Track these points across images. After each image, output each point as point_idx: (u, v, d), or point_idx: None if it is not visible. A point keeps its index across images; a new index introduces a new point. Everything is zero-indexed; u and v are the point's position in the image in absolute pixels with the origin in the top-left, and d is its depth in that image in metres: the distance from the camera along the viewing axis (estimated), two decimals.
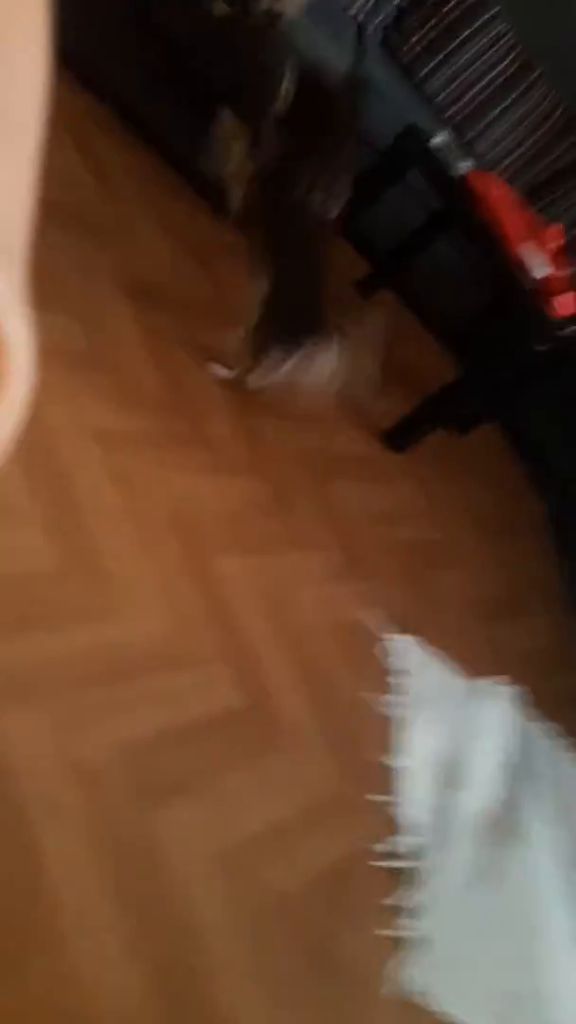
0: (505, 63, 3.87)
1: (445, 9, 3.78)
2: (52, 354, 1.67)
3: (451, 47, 3.82)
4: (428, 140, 2.81)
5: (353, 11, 3.64)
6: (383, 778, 1.73)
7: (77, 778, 1.23)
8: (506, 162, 3.99)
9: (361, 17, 3.68)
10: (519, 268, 2.56)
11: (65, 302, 1.87)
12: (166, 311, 2.20)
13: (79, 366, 1.79)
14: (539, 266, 2.57)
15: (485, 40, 3.82)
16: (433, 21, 3.81)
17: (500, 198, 2.78)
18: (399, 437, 2.68)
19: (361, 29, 3.63)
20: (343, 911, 1.45)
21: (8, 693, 1.24)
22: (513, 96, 3.91)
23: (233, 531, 1.87)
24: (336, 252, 2.83)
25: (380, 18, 3.75)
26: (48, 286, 1.78)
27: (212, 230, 2.53)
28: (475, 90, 3.89)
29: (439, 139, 2.82)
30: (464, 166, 2.80)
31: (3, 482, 1.42)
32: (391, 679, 1.93)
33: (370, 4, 3.69)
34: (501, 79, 3.89)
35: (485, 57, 3.86)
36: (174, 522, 1.72)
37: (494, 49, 3.84)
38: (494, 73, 3.87)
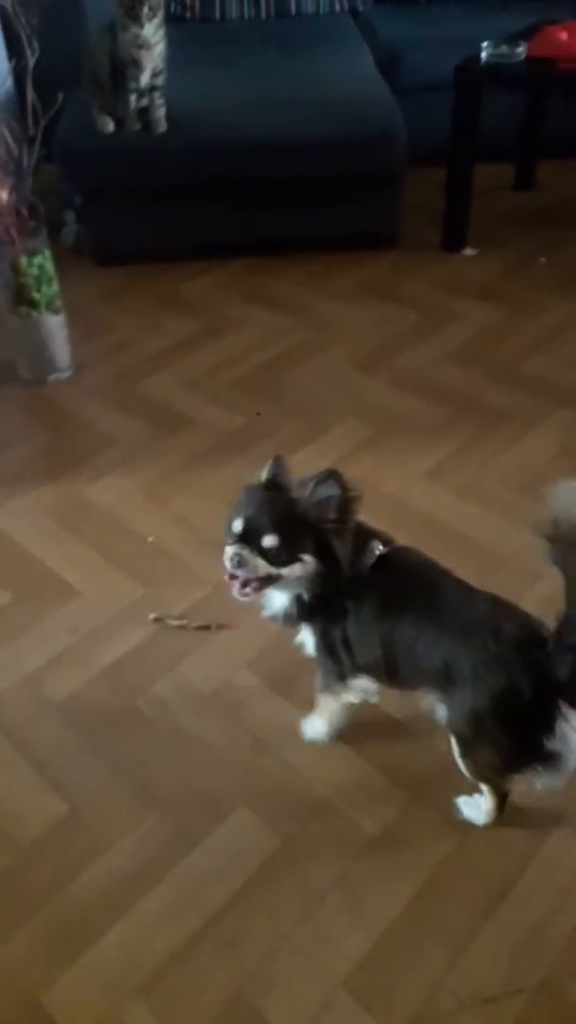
0: None
1: None
2: None
3: None
4: (480, 56, 3.01)
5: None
6: None
7: None
8: None
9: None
10: None
11: None
12: None
13: None
14: None
15: None
16: None
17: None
18: None
19: (355, 13, 3.95)
20: None
21: None
22: None
23: None
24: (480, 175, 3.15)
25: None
26: None
27: None
28: None
29: (485, 49, 3.02)
30: (520, 51, 2.98)
31: None
32: None
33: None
34: None
35: None
36: None
37: None
38: None
